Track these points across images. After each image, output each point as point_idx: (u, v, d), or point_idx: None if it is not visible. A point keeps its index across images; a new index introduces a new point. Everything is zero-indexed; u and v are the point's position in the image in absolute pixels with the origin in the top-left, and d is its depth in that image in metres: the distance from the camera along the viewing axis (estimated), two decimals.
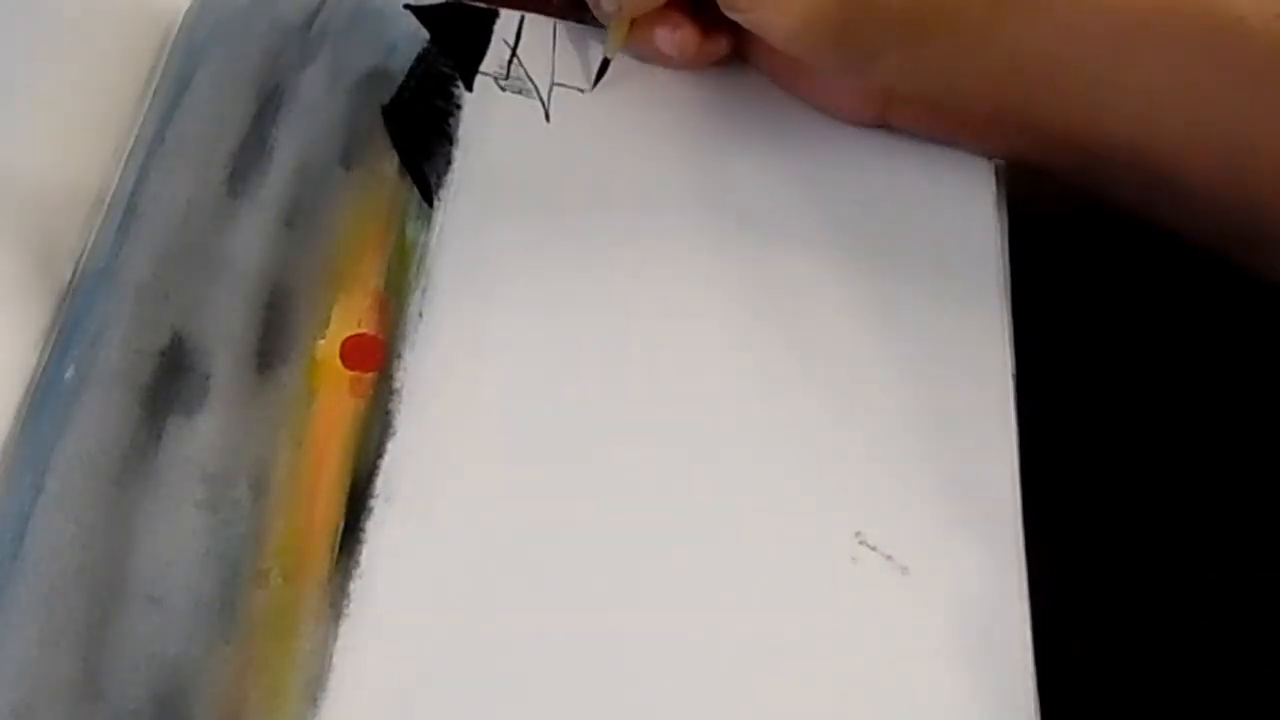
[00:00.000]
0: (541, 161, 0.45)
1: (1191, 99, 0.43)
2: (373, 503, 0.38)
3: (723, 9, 0.43)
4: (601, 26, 0.47)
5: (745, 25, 0.44)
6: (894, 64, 0.44)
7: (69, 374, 0.38)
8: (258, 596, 0.36)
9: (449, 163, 0.44)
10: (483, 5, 0.47)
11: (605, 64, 0.46)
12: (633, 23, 0.45)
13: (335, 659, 0.35)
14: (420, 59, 0.46)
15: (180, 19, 0.45)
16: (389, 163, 0.44)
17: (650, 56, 0.47)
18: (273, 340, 0.40)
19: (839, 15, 0.42)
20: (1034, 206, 0.45)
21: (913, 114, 0.46)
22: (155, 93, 0.44)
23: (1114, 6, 0.43)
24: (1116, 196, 0.46)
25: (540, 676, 0.36)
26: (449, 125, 0.45)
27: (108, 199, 0.42)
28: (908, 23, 0.43)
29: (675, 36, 0.45)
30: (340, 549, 0.37)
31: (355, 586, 0.36)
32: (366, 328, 0.40)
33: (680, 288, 0.42)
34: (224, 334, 0.40)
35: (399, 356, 0.40)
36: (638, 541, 0.38)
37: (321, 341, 0.40)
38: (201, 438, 0.38)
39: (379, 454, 0.38)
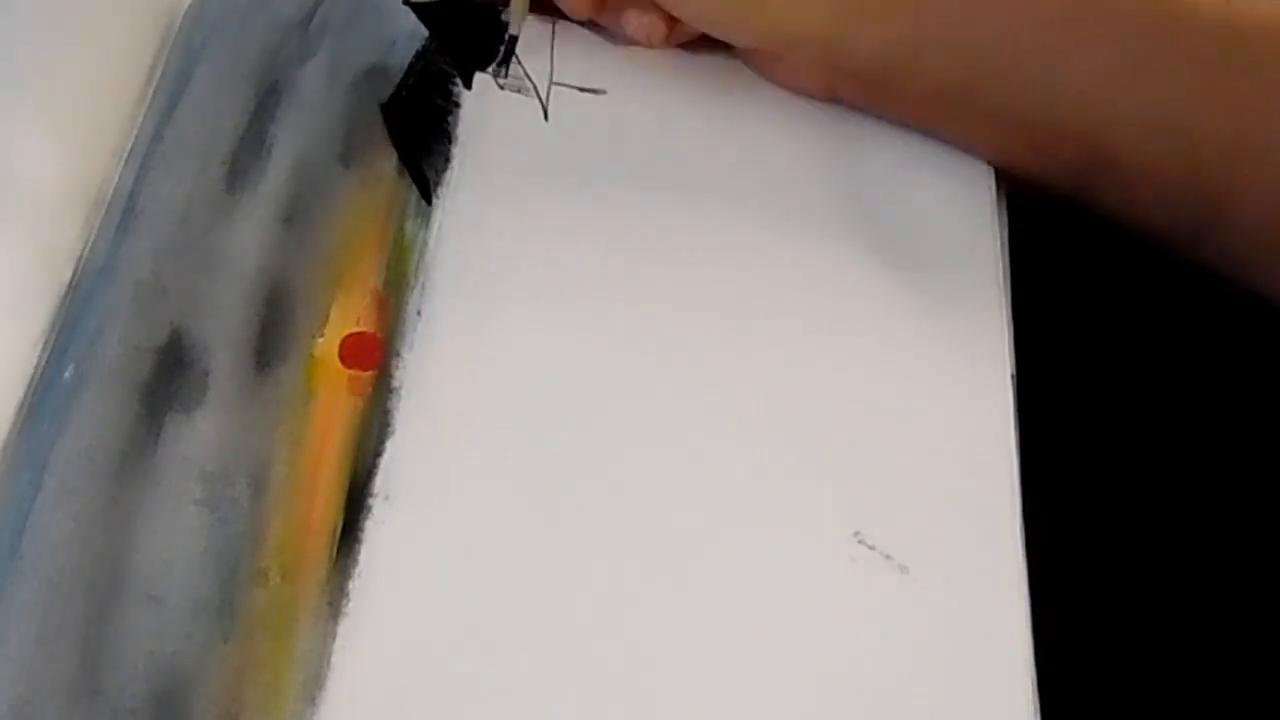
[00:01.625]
0: (540, 160, 0.45)
1: (1141, 85, 0.43)
2: (371, 501, 0.37)
3: None
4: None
5: (665, 8, 0.44)
6: (820, 46, 0.45)
7: (68, 372, 0.38)
8: (256, 595, 0.36)
9: (448, 161, 0.44)
10: (483, 1, 0.47)
11: (512, 42, 0.46)
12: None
13: (334, 658, 0.35)
14: (419, 56, 0.46)
15: (180, 17, 0.45)
16: (388, 160, 0.44)
17: (624, 36, 0.47)
18: (271, 338, 0.40)
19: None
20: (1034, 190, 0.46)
21: (854, 89, 0.46)
22: (155, 91, 0.44)
23: None
24: (1062, 184, 0.46)
25: (539, 676, 0.36)
26: (448, 123, 0.45)
27: (108, 197, 0.42)
28: (828, 18, 0.44)
29: (643, 21, 0.46)
30: (339, 548, 0.37)
31: (354, 585, 0.36)
32: (365, 326, 0.40)
33: (679, 285, 0.42)
34: (223, 331, 0.40)
35: (398, 355, 0.40)
36: (637, 540, 0.38)
37: (320, 340, 0.40)
38: (200, 436, 0.38)
39: (378, 453, 0.38)
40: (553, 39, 0.47)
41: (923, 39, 0.44)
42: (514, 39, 0.46)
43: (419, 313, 0.41)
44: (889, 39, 0.44)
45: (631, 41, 0.47)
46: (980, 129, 0.46)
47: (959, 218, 0.45)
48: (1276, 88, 0.42)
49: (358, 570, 0.36)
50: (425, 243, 0.42)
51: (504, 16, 0.46)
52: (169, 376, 0.39)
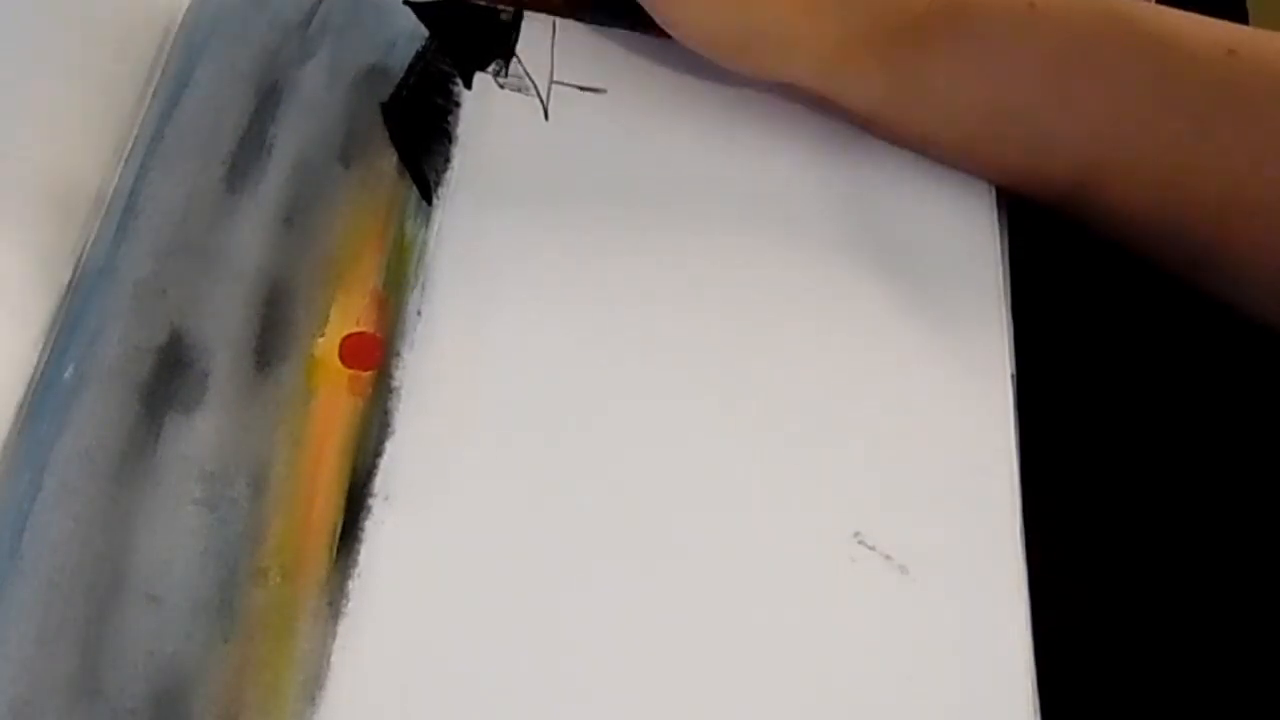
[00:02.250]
0: (540, 160, 0.44)
1: (1135, 140, 0.43)
2: (371, 501, 0.38)
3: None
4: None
5: (667, 31, 0.44)
6: (812, 89, 0.45)
7: (68, 372, 0.38)
8: (256, 595, 0.36)
9: (448, 161, 0.44)
10: (483, 3, 0.47)
11: (511, 32, 0.46)
12: None
13: (334, 658, 0.35)
14: (419, 56, 0.46)
15: (180, 18, 0.45)
16: (388, 160, 0.44)
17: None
18: (271, 338, 0.40)
19: (743, 39, 0.44)
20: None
21: (848, 119, 0.46)
22: (155, 91, 0.44)
23: (1057, 49, 0.43)
24: (1057, 209, 0.46)
25: (539, 675, 0.36)
26: (448, 123, 0.45)
27: (108, 197, 0.42)
28: (824, 64, 0.44)
29: None
30: (339, 548, 0.37)
31: (354, 585, 0.36)
32: (365, 326, 0.40)
33: (679, 286, 0.42)
34: (223, 331, 0.40)
35: (398, 355, 0.40)
36: (637, 541, 0.38)
37: (320, 339, 0.40)
38: (200, 435, 0.38)
39: (378, 453, 0.38)
40: (553, 39, 0.47)
41: (912, 96, 0.44)
42: (515, 32, 0.46)
43: (419, 313, 0.41)
44: (878, 94, 0.44)
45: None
46: (970, 167, 0.46)
47: (960, 221, 0.45)
48: (1272, 144, 0.42)
49: (358, 570, 0.36)
50: (425, 243, 0.42)
51: (503, 17, 0.46)
52: (169, 376, 0.39)
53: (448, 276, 0.42)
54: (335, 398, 0.39)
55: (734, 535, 0.38)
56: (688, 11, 0.44)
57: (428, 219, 0.43)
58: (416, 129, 0.44)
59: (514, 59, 0.46)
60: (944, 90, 0.44)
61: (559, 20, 0.48)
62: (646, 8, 0.44)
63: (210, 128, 0.43)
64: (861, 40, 0.43)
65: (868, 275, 0.43)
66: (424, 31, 0.46)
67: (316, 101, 0.44)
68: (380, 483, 0.38)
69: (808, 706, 0.36)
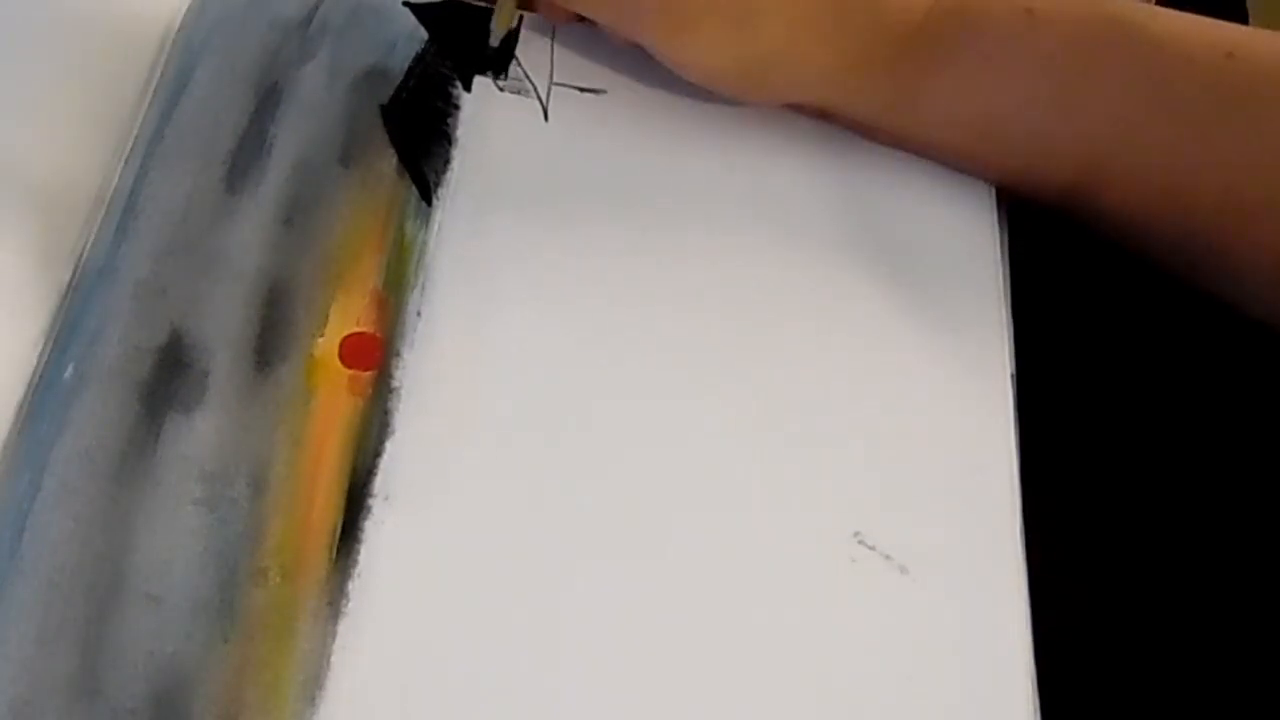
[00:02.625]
0: (540, 161, 0.45)
1: (1135, 143, 0.43)
2: (371, 502, 0.38)
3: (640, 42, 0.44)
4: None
5: (669, 66, 0.44)
6: (818, 106, 0.45)
7: (68, 372, 0.38)
8: (256, 595, 0.36)
9: (447, 162, 0.44)
10: (483, 4, 0.47)
11: (510, 40, 0.46)
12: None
13: (333, 658, 0.35)
14: (419, 58, 0.46)
15: (180, 18, 0.45)
16: (388, 161, 0.44)
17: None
18: (271, 338, 0.40)
19: (750, 68, 0.44)
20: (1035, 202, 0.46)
21: (850, 128, 0.46)
22: (155, 91, 0.44)
23: (1056, 54, 0.43)
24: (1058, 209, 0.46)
25: (538, 676, 0.36)
26: (448, 125, 0.45)
27: (108, 197, 0.42)
28: (830, 80, 0.44)
29: None
30: (338, 548, 0.37)
31: (353, 585, 0.36)
32: (365, 326, 0.40)
33: (679, 287, 0.42)
34: (223, 331, 0.40)
35: (398, 355, 0.40)
36: (637, 541, 0.38)
37: (320, 340, 0.40)
38: (200, 436, 0.38)
39: (377, 453, 0.38)
40: (553, 39, 0.47)
41: (914, 104, 0.44)
42: (514, 37, 0.46)
43: (419, 313, 0.41)
44: (880, 103, 0.45)
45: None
46: (971, 170, 0.46)
47: (960, 222, 0.45)
48: (1271, 146, 0.42)
49: (358, 570, 0.36)
50: (425, 243, 0.42)
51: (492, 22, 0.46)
52: (169, 376, 0.39)
53: (448, 276, 0.42)
54: (335, 398, 0.39)
55: (734, 535, 0.38)
56: (693, 53, 0.44)
57: (428, 219, 0.43)
58: (416, 131, 0.44)
59: (514, 60, 0.46)
60: (945, 97, 0.44)
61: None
62: (655, 54, 0.44)
63: (210, 128, 0.43)
64: (863, 53, 0.43)
65: (868, 275, 0.43)
66: (424, 33, 0.46)
67: (316, 102, 0.44)
68: (380, 483, 0.38)
69: (808, 707, 0.36)
